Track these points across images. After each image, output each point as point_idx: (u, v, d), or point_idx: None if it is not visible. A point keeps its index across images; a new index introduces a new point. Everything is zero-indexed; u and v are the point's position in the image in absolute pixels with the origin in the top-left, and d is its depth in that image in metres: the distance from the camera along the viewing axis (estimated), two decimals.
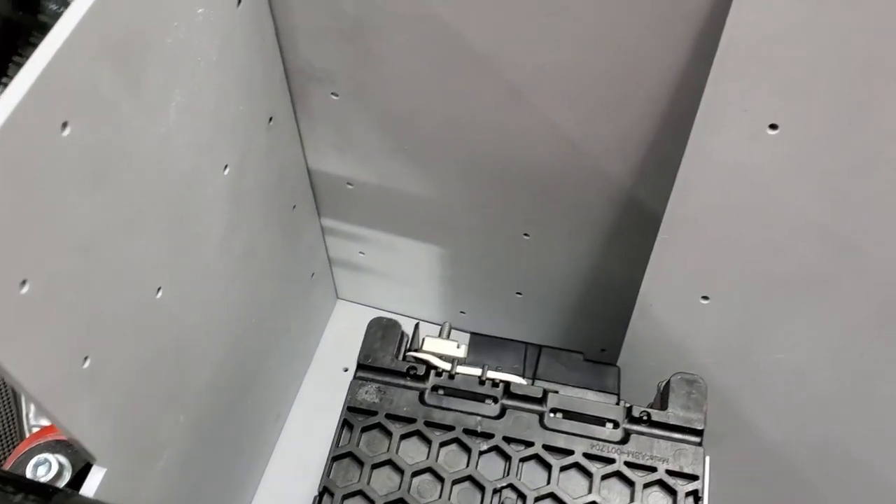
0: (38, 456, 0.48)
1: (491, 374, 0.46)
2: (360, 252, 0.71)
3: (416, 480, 0.43)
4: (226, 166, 0.48)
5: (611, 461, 0.43)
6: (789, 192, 0.41)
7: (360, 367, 0.46)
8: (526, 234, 0.61)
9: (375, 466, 0.43)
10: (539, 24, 0.44)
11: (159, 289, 0.44)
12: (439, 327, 0.53)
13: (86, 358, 0.38)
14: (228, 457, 0.61)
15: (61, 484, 0.47)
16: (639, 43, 0.43)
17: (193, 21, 0.40)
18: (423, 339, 0.50)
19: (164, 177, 0.42)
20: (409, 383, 0.46)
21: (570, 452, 0.43)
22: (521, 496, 0.42)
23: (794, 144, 0.40)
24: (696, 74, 0.41)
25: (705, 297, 0.48)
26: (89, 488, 0.42)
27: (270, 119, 0.52)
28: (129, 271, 0.40)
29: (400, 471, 0.43)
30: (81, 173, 0.35)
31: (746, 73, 0.38)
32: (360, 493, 0.42)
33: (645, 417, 0.44)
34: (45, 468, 0.47)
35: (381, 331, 0.48)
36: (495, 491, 0.42)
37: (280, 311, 0.64)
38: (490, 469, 0.43)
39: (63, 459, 0.48)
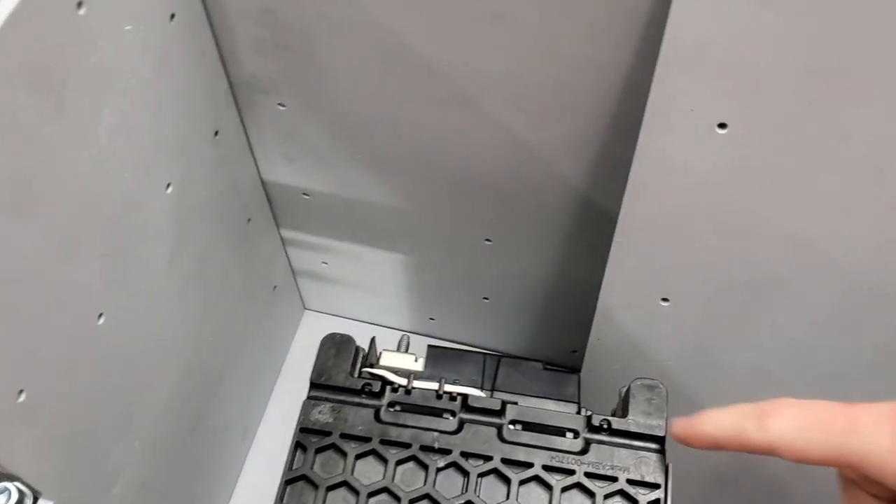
0: None
1: (448, 388, 0.45)
2: (324, 262, 0.70)
3: (372, 501, 0.42)
4: (168, 184, 0.46)
5: (571, 472, 0.42)
6: (741, 191, 0.41)
7: (313, 385, 0.45)
8: (488, 240, 0.60)
9: (330, 489, 0.42)
10: (479, 29, 0.42)
11: (101, 315, 0.42)
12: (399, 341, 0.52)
13: (21, 391, 0.37)
14: (192, 478, 0.60)
15: None
16: (582, 45, 0.42)
17: (121, 38, 0.39)
18: (381, 354, 0.49)
19: (99, 199, 0.40)
20: (365, 401, 0.45)
21: (530, 465, 0.42)
22: None
23: (745, 143, 0.39)
24: (643, 74, 0.41)
25: (665, 300, 0.48)
26: None
27: (216, 133, 0.51)
28: (64, 299, 0.39)
29: (355, 492, 0.42)
30: (1, 202, 0.33)
31: (690, 73, 0.37)
32: None
33: (605, 426, 0.43)
34: (6, 496, 0.46)
35: (335, 347, 0.46)
36: None
37: (241, 326, 0.62)
38: (448, 486, 0.42)
39: (23, 486, 0.47)
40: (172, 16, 0.43)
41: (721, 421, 0.30)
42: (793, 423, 0.28)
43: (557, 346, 0.71)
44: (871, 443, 0.26)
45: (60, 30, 0.34)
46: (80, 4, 0.35)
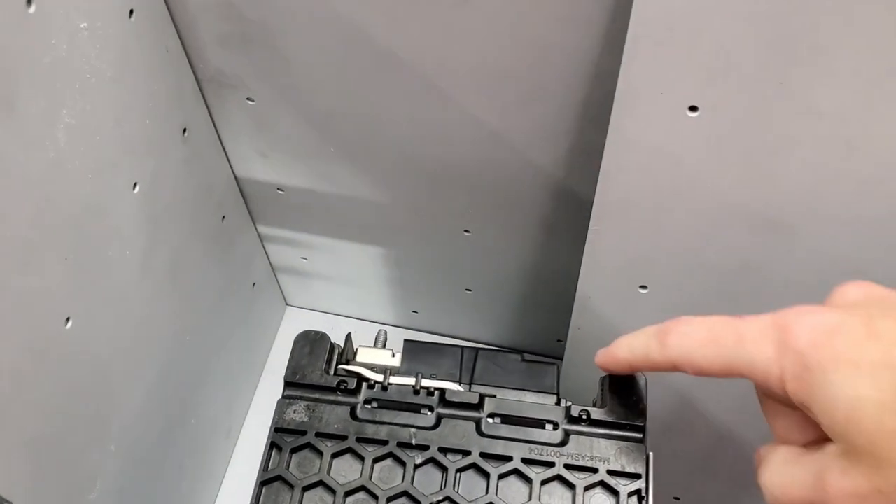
0: None
1: (426, 383, 0.45)
2: (303, 258, 0.69)
3: (349, 500, 0.41)
4: (135, 184, 0.46)
5: (550, 465, 0.42)
6: (715, 174, 0.40)
7: (287, 384, 0.44)
8: (466, 231, 0.60)
9: (306, 489, 0.41)
10: (441, 17, 0.42)
11: (68, 319, 0.42)
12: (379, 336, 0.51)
13: None
14: (175, 480, 0.59)
15: None
16: (547, 29, 0.41)
17: (76, 36, 0.38)
18: (357, 350, 0.48)
19: (59, 202, 0.39)
20: (340, 398, 0.44)
21: (509, 459, 0.42)
22: None
23: (717, 126, 0.38)
24: (612, 59, 0.40)
25: (643, 287, 0.47)
26: None
27: (185, 130, 0.50)
28: (26, 304, 0.38)
29: (332, 491, 0.41)
30: None
31: (659, 55, 0.36)
32: None
33: (584, 416, 0.43)
34: None
35: (309, 345, 0.46)
36: None
37: (219, 325, 0.62)
38: (426, 482, 0.42)
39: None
40: (131, 12, 0.42)
41: (631, 344, 0.33)
42: (689, 339, 0.29)
43: (543, 336, 0.70)
44: (756, 352, 0.27)
45: (8, 29, 0.34)
46: (29, 2, 0.34)
